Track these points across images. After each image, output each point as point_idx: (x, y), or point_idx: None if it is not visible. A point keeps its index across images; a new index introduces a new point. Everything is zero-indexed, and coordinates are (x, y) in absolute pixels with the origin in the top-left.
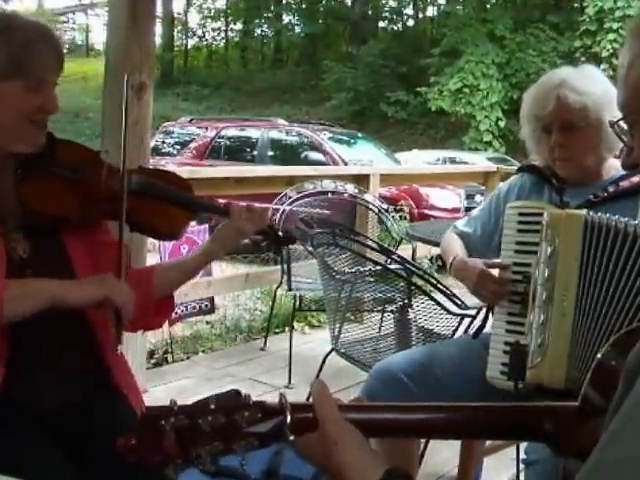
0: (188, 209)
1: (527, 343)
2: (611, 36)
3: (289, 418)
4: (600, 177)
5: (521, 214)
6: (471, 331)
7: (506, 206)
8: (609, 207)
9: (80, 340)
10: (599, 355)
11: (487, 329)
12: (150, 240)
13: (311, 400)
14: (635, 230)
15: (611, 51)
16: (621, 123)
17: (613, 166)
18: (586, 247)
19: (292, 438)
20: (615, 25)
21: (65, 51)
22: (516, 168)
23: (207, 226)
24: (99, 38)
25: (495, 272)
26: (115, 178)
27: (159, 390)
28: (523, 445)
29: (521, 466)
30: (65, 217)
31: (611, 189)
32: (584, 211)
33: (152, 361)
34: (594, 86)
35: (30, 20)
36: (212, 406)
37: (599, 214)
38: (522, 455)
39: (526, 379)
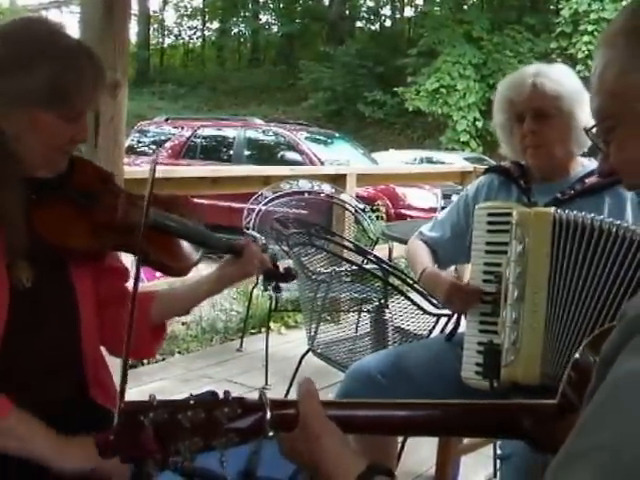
0: (202, 246)
1: (500, 342)
2: (586, 38)
3: (269, 414)
4: (567, 173)
5: (490, 214)
6: (448, 330)
7: (475, 207)
8: (576, 204)
9: (66, 362)
10: (576, 355)
11: (462, 329)
12: None
13: (296, 396)
14: (601, 225)
15: (586, 52)
16: (595, 130)
17: (579, 162)
18: (555, 244)
19: (271, 434)
20: (590, 27)
21: None
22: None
23: None
24: (74, 35)
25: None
26: (133, 209)
27: (134, 392)
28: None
29: (498, 463)
30: (74, 250)
31: (578, 186)
32: (552, 209)
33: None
34: (568, 79)
35: (77, 40)
36: (192, 402)
37: (567, 211)
38: (499, 451)
39: (501, 377)
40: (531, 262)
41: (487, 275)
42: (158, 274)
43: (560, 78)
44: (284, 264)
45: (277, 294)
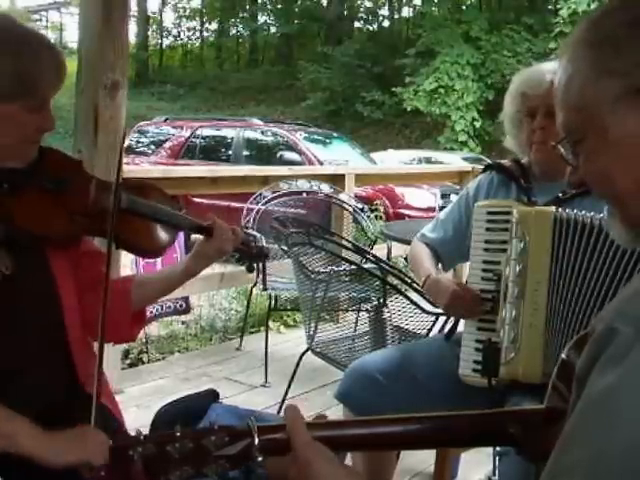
0: (173, 228)
1: (499, 340)
2: None
3: (257, 440)
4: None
5: (489, 213)
6: (446, 329)
7: (474, 205)
8: (576, 203)
9: (53, 349)
10: (563, 355)
11: (460, 328)
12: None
13: (284, 422)
14: (601, 223)
15: None
16: (564, 143)
17: None
18: (556, 242)
19: (260, 459)
20: None
21: None
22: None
23: (182, 232)
24: (73, 37)
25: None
26: (104, 194)
27: (135, 390)
28: None
29: (497, 460)
30: (50, 237)
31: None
32: (553, 208)
33: (127, 361)
34: None
35: (30, 29)
36: (178, 433)
37: (567, 210)
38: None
39: (500, 375)
40: (531, 260)
41: (486, 273)
42: (158, 266)
43: None
44: (283, 263)
45: (249, 272)
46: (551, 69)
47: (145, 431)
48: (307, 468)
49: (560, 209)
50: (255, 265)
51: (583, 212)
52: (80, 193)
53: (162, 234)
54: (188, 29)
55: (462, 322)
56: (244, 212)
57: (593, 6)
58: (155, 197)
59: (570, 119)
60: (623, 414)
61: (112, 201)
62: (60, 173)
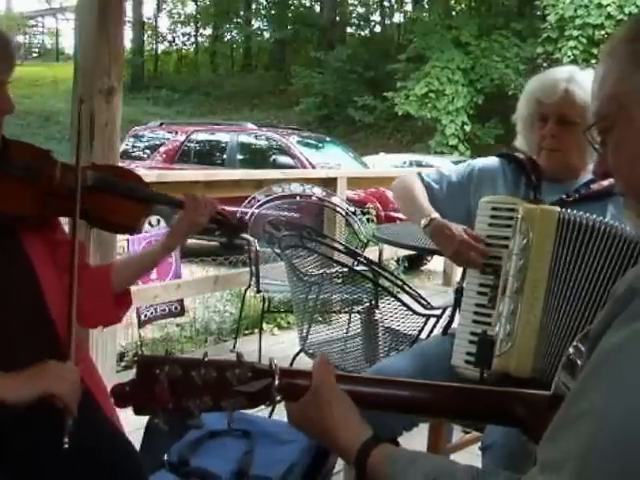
0: (144, 202)
1: (494, 334)
2: (572, 43)
3: (277, 381)
4: (577, 178)
5: (494, 208)
6: (437, 331)
7: (479, 200)
8: (579, 208)
9: (42, 341)
10: (570, 349)
11: (455, 325)
12: (120, 244)
13: (312, 366)
14: (605, 228)
15: (572, 57)
16: (593, 130)
17: (588, 169)
18: (558, 242)
19: (279, 398)
20: (575, 32)
21: (35, 55)
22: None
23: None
24: (69, 42)
25: None
26: (69, 175)
27: None
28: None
29: None
30: (22, 216)
31: (583, 190)
32: (558, 208)
33: (122, 364)
34: None
35: None
36: (206, 359)
37: (571, 211)
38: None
39: (493, 367)
40: (533, 257)
41: (485, 267)
42: (153, 276)
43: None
44: (276, 265)
45: (229, 249)
46: (566, 77)
47: (139, 435)
48: (327, 407)
49: (564, 210)
50: (234, 241)
51: (587, 215)
52: (46, 175)
53: (134, 209)
54: (183, 34)
55: (457, 320)
56: (238, 216)
57: (580, 12)
58: (124, 176)
59: (601, 107)
60: (630, 370)
61: (75, 177)
62: (25, 159)
